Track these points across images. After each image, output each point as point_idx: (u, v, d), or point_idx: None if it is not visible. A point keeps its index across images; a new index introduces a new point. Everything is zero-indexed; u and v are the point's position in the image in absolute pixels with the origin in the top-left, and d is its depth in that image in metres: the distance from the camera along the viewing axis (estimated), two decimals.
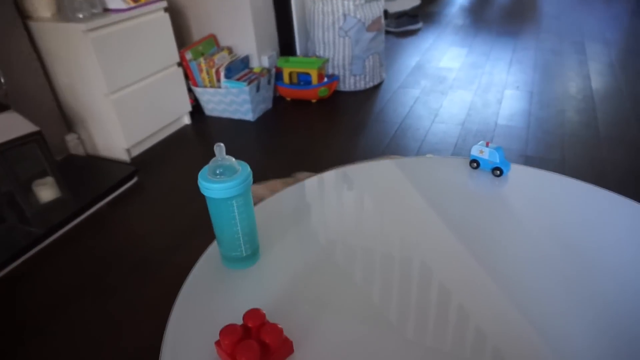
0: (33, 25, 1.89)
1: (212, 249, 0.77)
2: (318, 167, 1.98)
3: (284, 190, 0.95)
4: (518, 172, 0.96)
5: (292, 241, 0.79)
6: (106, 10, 1.97)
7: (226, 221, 0.68)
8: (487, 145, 0.97)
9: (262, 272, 0.73)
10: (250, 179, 0.69)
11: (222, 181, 0.65)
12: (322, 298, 0.67)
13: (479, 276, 0.70)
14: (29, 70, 1.89)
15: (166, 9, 2.14)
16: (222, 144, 0.67)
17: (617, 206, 0.85)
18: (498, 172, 0.95)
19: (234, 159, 0.68)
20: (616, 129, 2.13)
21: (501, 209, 0.87)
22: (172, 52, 2.20)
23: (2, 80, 1.55)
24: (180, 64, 2.27)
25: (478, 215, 0.85)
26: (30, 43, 1.87)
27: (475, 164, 0.98)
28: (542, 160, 1.92)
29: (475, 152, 0.98)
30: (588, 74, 2.70)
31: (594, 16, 3.80)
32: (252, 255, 0.73)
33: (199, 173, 0.67)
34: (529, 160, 1.92)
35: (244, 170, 0.68)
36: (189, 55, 2.35)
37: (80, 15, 1.85)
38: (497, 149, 0.96)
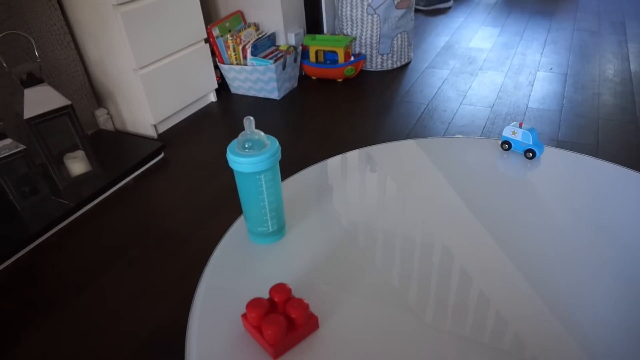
0: None
1: (239, 224, 0.78)
2: (342, 147, 1.97)
3: (309, 168, 0.95)
4: (552, 155, 0.93)
5: (316, 219, 0.79)
6: None
7: (253, 196, 0.68)
8: (520, 126, 0.94)
9: (287, 249, 0.73)
10: (279, 154, 0.68)
11: (250, 155, 0.65)
12: (345, 278, 0.67)
13: (505, 263, 0.69)
14: (60, 44, 1.91)
15: None
16: (251, 118, 0.66)
17: None
18: (531, 154, 0.92)
19: (262, 133, 0.68)
20: None
21: (533, 192, 0.85)
22: (199, 28, 2.20)
23: (37, 54, 1.58)
24: (207, 41, 2.27)
25: (509, 199, 0.83)
26: (62, 17, 1.90)
27: (506, 146, 0.95)
28: (575, 145, 1.86)
29: (507, 133, 0.95)
30: (627, 56, 2.58)
31: None
32: (279, 230, 0.73)
33: (228, 146, 0.67)
34: (561, 145, 1.86)
35: (272, 144, 0.67)
36: (216, 32, 2.34)
37: None
38: (531, 130, 0.93)
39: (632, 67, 2.46)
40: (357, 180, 0.91)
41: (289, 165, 1.48)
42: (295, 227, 0.77)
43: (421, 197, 0.84)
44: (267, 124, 2.22)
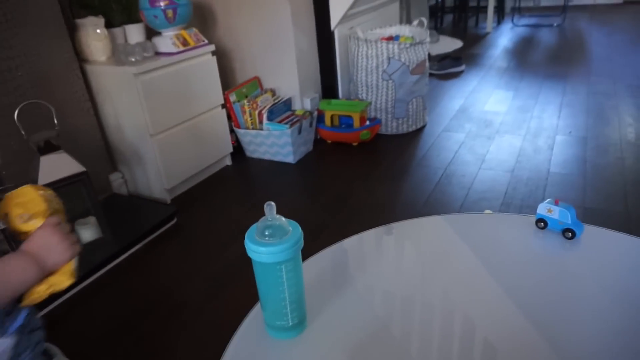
0: (88, 68, 1.96)
1: (255, 313, 0.71)
2: (360, 212, 1.91)
3: (330, 247, 0.89)
4: (592, 235, 0.86)
5: (340, 309, 0.72)
6: (157, 54, 2.02)
7: (273, 288, 0.62)
8: (556, 203, 0.88)
9: (309, 344, 0.66)
10: (302, 241, 0.63)
11: (271, 244, 0.60)
12: None
13: (541, 350, 0.61)
14: (81, 111, 1.94)
15: (213, 53, 2.19)
16: (272, 203, 0.62)
17: None
18: (570, 234, 0.85)
19: (284, 219, 0.63)
20: None
21: (573, 277, 0.77)
22: (217, 94, 2.23)
23: (55, 122, 1.59)
24: (224, 106, 2.30)
25: (546, 285, 0.75)
26: (84, 85, 1.94)
27: (542, 224, 0.89)
28: (604, 213, 1.78)
29: (542, 210, 0.89)
30: None
31: None
32: (299, 324, 0.66)
33: (247, 233, 0.62)
34: (589, 212, 1.78)
35: (295, 231, 0.62)
36: (233, 97, 2.37)
37: (133, 59, 1.90)
38: (569, 207, 0.86)
39: None
40: (382, 262, 0.84)
41: (306, 233, 1.42)
42: (317, 318, 0.69)
43: (454, 282, 0.77)
44: (282, 188, 2.19)
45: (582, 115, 2.64)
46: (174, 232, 1.89)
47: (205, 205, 2.06)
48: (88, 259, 1.67)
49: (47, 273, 0.66)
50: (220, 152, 2.32)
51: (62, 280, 0.67)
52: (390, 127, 2.60)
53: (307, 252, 0.71)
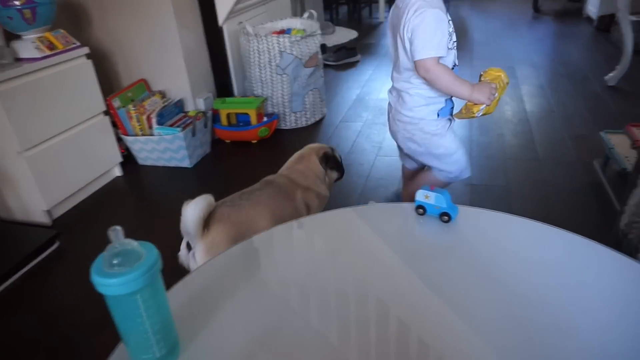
0: None
1: (120, 351, 0.64)
2: None
3: (215, 259, 0.84)
4: (466, 215, 0.90)
5: (221, 327, 0.67)
6: (18, 60, 1.80)
7: (131, 320, 0.56)
8: (431, 189, 0.90)
9: None
10: (159, 264, 0.57)
11: (121, 273, 0.53)
12: None
13: (427, 329, 0.62)
14: None
15: (89, 56, 2.00)
16: (118, 227, 0.55)
17: (565, 243, 0.80)
18: (446, 217, 0.88)
19: (135, 243, 0.57)
20: (553, 149, 2.18)
21: (450, 257, 0.80)
22: (97, 100, 2.05)
23: None
24: (107, 112, 2.12)
25: (426, 266, 0.77)
26: None
27: (421, 210, 0.91)
28: (487, 188, 1.91)
29: (420, 197, 0.91)
30: (521, 97, 2.79)
31: (521, 41, 4.00)
32: (169, 353, 0.61)
33: (93, 264, 0.55)
34: (475, 189, 1.90)
35: (149, 254, 0.56)
36: (116, 103, 2.20)
37: None
38: (443, 192, 0.89)
39: (527, 107, 2.65)
40: (261, 274, 0.81)
41: None
42: (193, 342, 0.64)
43: (342, 280, 0.75)
44: (180, 194, 2.05)
45: None
46: (56, 257, 1.70)
47: (93, 223, 1.88)
48: None
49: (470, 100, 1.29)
50: (107, 163, 2.14)
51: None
52: (289, 121, 2.58)
53: None
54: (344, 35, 4.52)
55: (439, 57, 1.25)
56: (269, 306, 0.71)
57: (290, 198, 1.33)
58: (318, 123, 2.66)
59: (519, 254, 0.79)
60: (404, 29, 1.26)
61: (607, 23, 3.66)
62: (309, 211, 1.37)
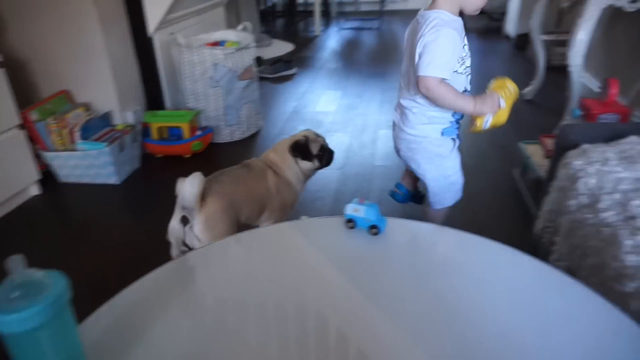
0: None
1: None
2: None
3: (137, 283, 0.79)
4: (395, 227, 0.92)
5: (150, 346, 0.63)
6: None
7: None
8: (361, 202, 0.91)
9: None
10: (66, 294, 0.52)
11: (19, 308, 0.48)
12: None
13: (364, 339, 0.62)
14: None
15: (1, 64, 1.85)
16: (18, 257, 0.50)
17: (484, 249, 0.84)
18: (375, 230, 0.90)
19: (40, 272, 0.52)
20: (478, 159, 2.29)
21: (380, 268, 0.81)
22: (9, 113, 1.89)
23: None
24: (22, 126, 1.96)
25: (359, 277, 0.77)
26: None
27: (351, 224, 0.92)
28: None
29: (349, 210, 0.92)
30: None
31: None
32: None
33: None
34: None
35: (56, 285, 0.52)
36: (34, 116, 2.04)
37: None
38: (373, 205, 0.91)
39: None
40: (187, 296, 0.77)
41: (138, 261, 1.27)
42: None
43: (272, 296, 0.74)
44: (106, 213, 1.96)
45: None
46: None
47: (4, 249, 1.73)
48: None
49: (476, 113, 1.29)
50: (22, 182, 1.97)
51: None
52: (224, 134, 2.53)
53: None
54: (281, 47, 4.54)
55: (443, 79, 1.23)
56: (203, 324, 0.68)
57: (264, 180, 1.46)
58: (254, 136, 2.63)
59: (443, 262, 0.82)
60: (418, 42, 1.23)
61: (523, 41, 3.95)
62: (283, 201, 1.49)
